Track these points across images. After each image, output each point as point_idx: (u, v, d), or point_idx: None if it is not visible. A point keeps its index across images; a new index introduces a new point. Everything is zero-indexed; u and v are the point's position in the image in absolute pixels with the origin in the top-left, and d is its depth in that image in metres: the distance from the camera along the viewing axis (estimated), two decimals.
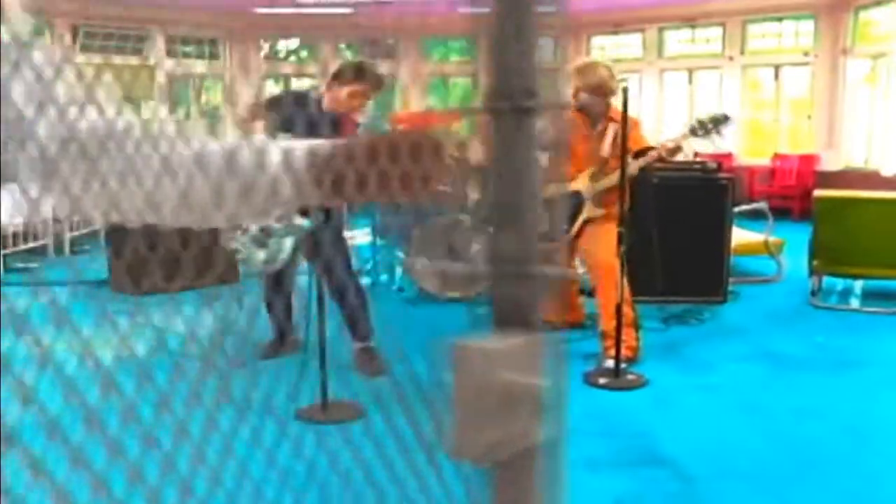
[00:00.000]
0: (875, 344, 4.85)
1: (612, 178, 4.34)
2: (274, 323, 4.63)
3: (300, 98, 4.47)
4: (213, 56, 12.63)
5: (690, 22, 11.79)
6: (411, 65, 11.78)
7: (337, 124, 4.21)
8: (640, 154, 4.44)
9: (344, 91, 4.26)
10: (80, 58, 10.60)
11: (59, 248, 8.02)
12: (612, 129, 4.42)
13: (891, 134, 9.78)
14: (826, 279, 6.02)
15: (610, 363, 4.29)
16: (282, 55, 13.45)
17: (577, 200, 4.53)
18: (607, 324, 4.26)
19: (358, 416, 3.59)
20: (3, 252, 7.05)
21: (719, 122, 4.29)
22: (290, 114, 4.11)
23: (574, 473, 2.49)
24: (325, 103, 4.34)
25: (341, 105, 4.28)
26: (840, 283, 6.17)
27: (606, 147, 4.45)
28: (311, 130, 4.19)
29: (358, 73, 4.20)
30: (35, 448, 0.59)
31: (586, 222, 4.45)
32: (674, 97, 12.20)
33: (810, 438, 3.50)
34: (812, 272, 5.94)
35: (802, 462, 3.33)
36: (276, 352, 4.51)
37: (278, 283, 4.45)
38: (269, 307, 4.57)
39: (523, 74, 0.53)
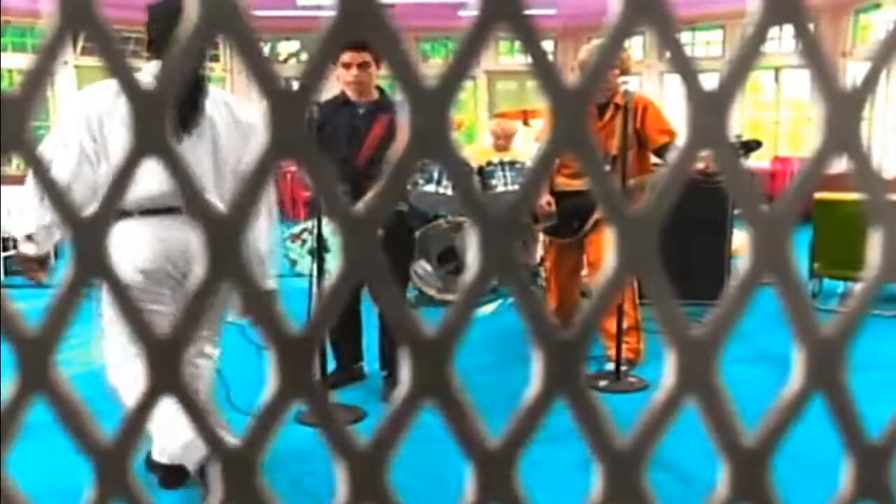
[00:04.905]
0: (876, 346, 4.85)
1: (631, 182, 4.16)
2: (339, 354, 4.29)
3: (325, 105, 4.00)
4: (214, 58, 12.65)
5: (691, 24, 11.81)
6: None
7: (371, 114, 3.92)
8: (663, 149, 4.27)
9: (338, 68, 3.85)
10: (82, 60, 10.62)
11: (60, 252, 8.02)
12: (621, 119, 4.12)
13: (891, 136, 9.79)
14: (826, 282, 6.02)
15: (610, 366, 4.29)
16: (282, 58, 13.47)
17: (589, 199, 4.44)
18: (609, 324, 4.26)
19: (359, 419, 3.59)
20: (3, 255, 7.05)
21: (751, 148, 4.21)
22: (322, 122, 3.84)
23: (573, 475, 2.49)
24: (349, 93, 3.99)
25: (345, 84, 3.93)
26: (840, 286, 6.17)
27: (616, 142, 4.19)
28: (352, 132, 4.00)
29: (348, 42, 3.77)
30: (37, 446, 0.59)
31: (598, 222, 4.30)
32: (674, 100, 12.23)
33: (811, 441, 3.50)
34: (812, 275, 5.94)
35: (804, 465, 3.33)
36: (340, 384, 4.21)
37: (351, 316, 4.09)
38: (336, 339, 4.18)
39: None
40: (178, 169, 0.52)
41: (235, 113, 2.99)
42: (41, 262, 2.96)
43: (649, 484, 0.63)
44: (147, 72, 2.83)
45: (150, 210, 2.74)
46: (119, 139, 2.71)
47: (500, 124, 6.90)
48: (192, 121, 2.83)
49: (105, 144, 2.75)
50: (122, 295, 0.49)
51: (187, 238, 2.74)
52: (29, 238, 2.88)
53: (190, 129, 2.83)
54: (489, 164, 4.70)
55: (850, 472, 0.55)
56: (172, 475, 3.01)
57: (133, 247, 2.82)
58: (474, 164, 4.68)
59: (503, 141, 6.66)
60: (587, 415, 0.55)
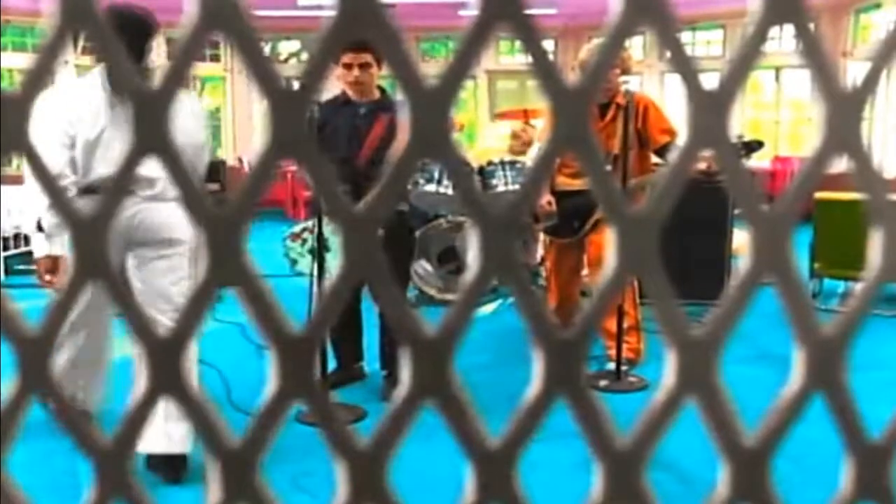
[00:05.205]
0: (877, 347, 4.85)
1: (632, 182, 4.16)
2: (339, 354, 4.28)
3: (325, 105, 4.00)
4: (214, 58, 12.65)
5: (691, 24, 11.80)
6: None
7: (372, 113, 3.93)
8: (664, 149, 4.27)
9: (338, 68, 3.86)
10: (82, 60, 10.62)
11: None
12: (628, 118, 4.12)
13: (892, 136, 9.79)
14: (827, 281, 6.02)
15: (611, 365, 4.29)
16: (283, 57, 13.47)
17: (590, 199, 4.40)
18: (609, 324, 4.26)
19: (360, 418, 3.59)
20: (3, 255, 7.05)
21: (753, 148, 4.20)
22: (322, 122, 3.86)
23: (573, 475, 2.49)
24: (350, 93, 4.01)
25: (346, 85, 3.93)
26: (841, 286, 6.17)
27: (617, 142, 4.17)
28: (353, 132, 4.01)
29: (349, 42, 3.63)
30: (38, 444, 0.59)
31: (599, 222, 4.29)
32: (675, 100, 12.22)
33: (812, 442, 3.50)
34: (813, 274, 5.94)
35: (804, 466, 3.33)
36: (341, 383, 4.20)
37: (352, 316, 4.10)
38: (337, 339, 4.17)
39: None
40: (178, 168, 0.52)
41: (182, 101, 3.27)
42: (55, 265, 3.11)
43: (649, 484, 0.62)
44: (93, 76, 3.08)
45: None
46: (86, 125, 3.01)
47: (525, 129, 6.85)
48: None
49: (77, 130, 3.02)
50: (123, 295, 0.49)
51: (133, 214, 3.03)
52: (39, 229, 3.08)
53: None
54: (489, 163, 4.69)
55: (850, 472, 0.55)
56: (172, 468, 3.09)
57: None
58: (476, 164, 4.68)
59: (526, 147, 6.61)
60: (587, 415, 0.55)
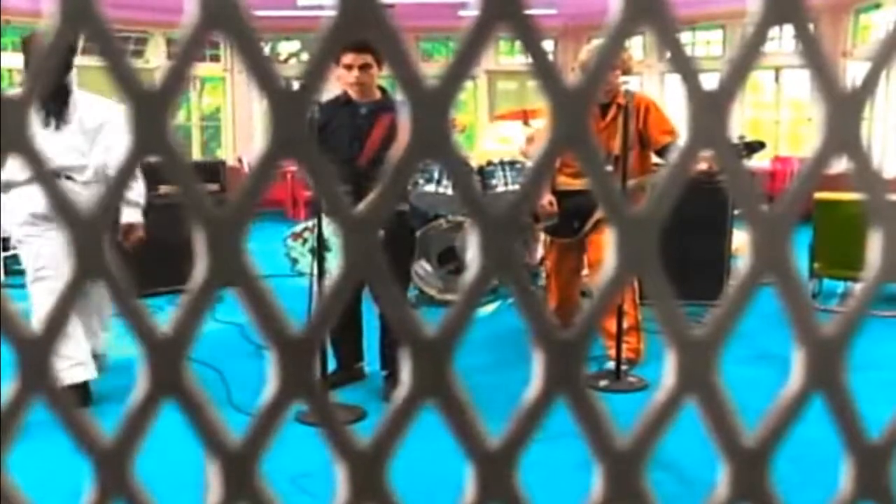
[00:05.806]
0: (877, 347, 4.84)
1: (632, 182, 4.15)
2: (340, 354, 4.28)
3: (326, 105, 4.00)
4: (214, 58, 12.65)
5: (691, 24, 11.80)
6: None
7: (373, 113, 3.93)
8: (665, 149, 4.26)
9: (339, 69, 3.87)
10: (82, 60, 10.62)
11: None
12: (628, 118, 4.11)
13: (892, 136, 9.79)
14: (826, 282, 6.02)
15: (610, 365, 4.29)
16: (283, 58, 13.47)
17: (590, 199, 4.38)
18: (609, 324, 4.26)
19: (360, 418, 3.60)
20: (3, 255, 7.05)
21: (755, 149, 4.20)
22: (323, 122, 3.87)
23: (573, 476, 2.50)
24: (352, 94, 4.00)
25: (346, 85, 3.93)
26: (840, 286, 6.17)
27: (617, 142, 4.15)
28: (355, 133, 4.01)
29: (349, 43, 3.64)
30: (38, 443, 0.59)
31: (599, 222, 4.28)
32: (675, 100, 12.22)
33: (812, 442, 3.49)
34: (812, 274, 5.94)
35: (804, 466, 3.33)
36: (341, 384, 4.20)
37: (352, 316, 4.10)
38: (337, 339, 4.16)
39: None
40: (177, 168, 0.52)
41: (99, 110, 3.71)
42: None
43: (649, 484, 0.63)
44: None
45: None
46: None
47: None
48: (63, 116, 3.63)
49: None
50: (123, 294, 0.49)
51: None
52: None
53: (60, 124, 3.63)
54: (489, 163, 4.69)
55: (849, 472, 0.55)
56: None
57: (31, 199, 3.52)
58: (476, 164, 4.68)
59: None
60: (587, 415, 0.55)
